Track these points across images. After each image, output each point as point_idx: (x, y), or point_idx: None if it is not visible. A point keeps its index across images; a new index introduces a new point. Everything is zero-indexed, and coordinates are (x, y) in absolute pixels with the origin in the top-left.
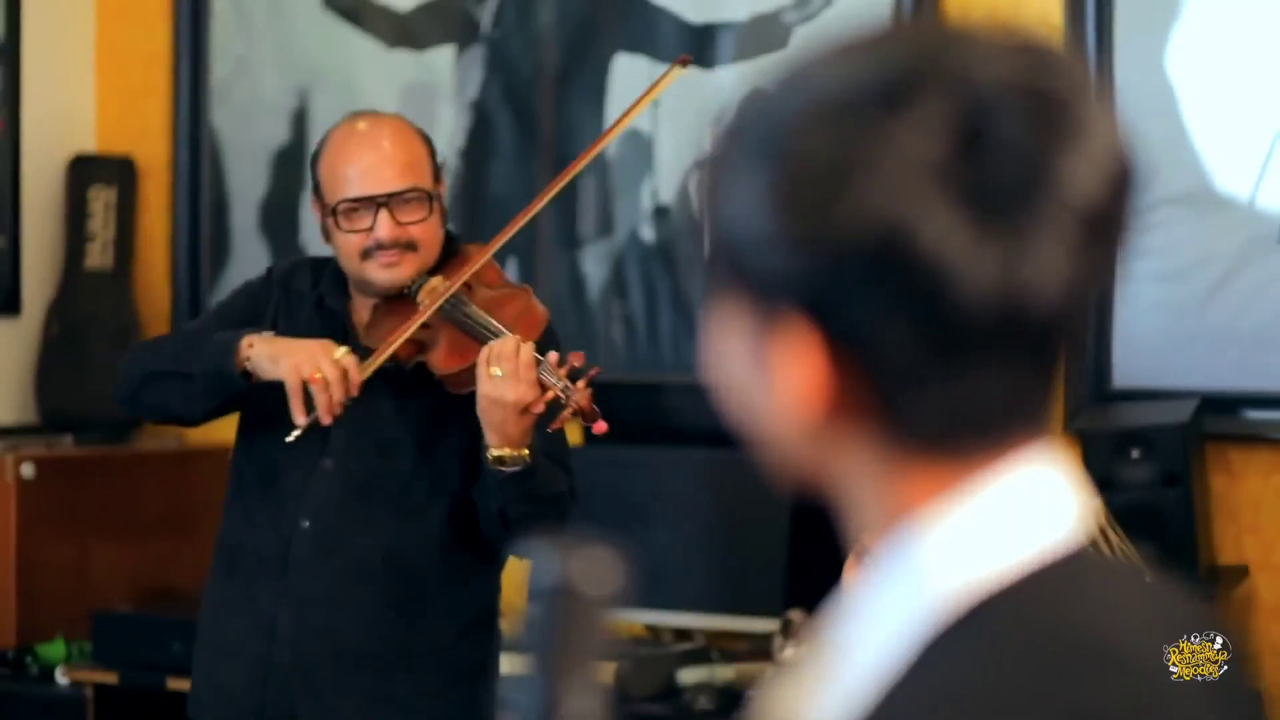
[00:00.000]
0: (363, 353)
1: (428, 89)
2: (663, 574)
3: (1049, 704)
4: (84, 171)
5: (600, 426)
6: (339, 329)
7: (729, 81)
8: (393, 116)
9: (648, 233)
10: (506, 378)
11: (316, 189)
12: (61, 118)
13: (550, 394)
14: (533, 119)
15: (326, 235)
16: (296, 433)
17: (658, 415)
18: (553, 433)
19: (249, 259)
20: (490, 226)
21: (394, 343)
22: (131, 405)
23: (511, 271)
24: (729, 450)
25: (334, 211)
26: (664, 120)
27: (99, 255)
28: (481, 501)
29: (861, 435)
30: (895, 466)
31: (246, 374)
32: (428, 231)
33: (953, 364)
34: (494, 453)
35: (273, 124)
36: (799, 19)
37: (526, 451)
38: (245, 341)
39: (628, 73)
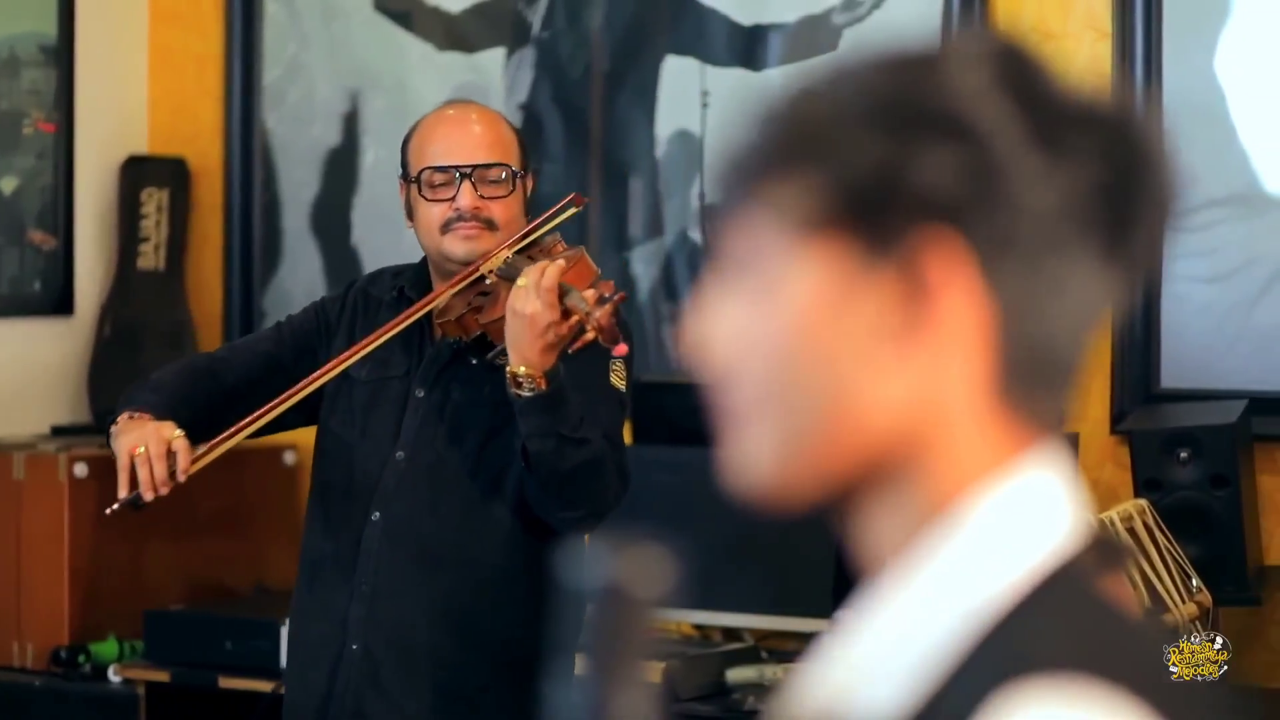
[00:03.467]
0: (447, 339)
1: (478, 91)
2: (712, 574)
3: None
4: (136, 173)
5: (621, 349)
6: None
7: (777, 83)
8: (487, 106)
9: (697, 233)
10: (528, 289)
11: (404, 170)
12: (114, 119)
13: (575, 318)
14: (583, 121)
15: (410, 214)
16: (114, 506)
17: (707, 415)
18: (597, 393)
19: (300, 260)
20: None
21: (235, 434)
22: None
23: None
24: None
25: (418, 180)
26: (713, 121)
27: (151, 256)
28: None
29: (961, 375)
30: (982, 414)
31: None
32: (508, 210)
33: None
34: (510, 368)
35: (324, 126)
36: (848, 20)
37: (543, 379)
38: (124, 415)
39: (677, 74)
